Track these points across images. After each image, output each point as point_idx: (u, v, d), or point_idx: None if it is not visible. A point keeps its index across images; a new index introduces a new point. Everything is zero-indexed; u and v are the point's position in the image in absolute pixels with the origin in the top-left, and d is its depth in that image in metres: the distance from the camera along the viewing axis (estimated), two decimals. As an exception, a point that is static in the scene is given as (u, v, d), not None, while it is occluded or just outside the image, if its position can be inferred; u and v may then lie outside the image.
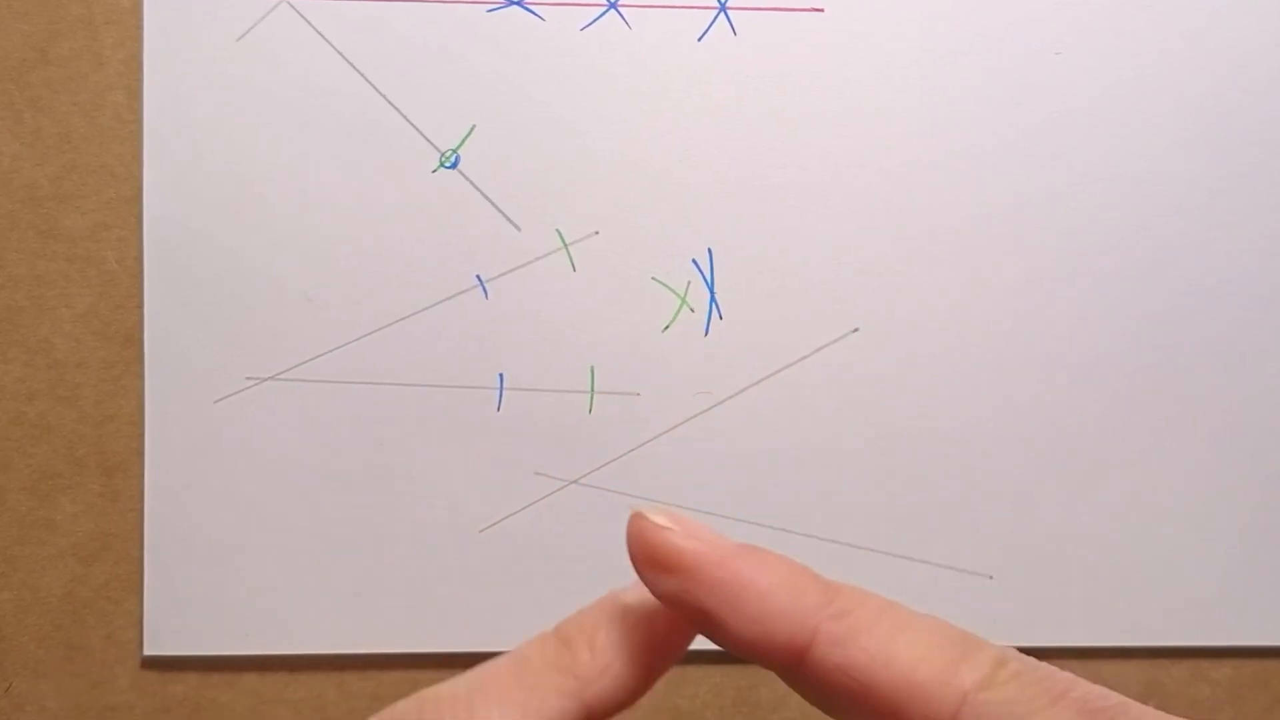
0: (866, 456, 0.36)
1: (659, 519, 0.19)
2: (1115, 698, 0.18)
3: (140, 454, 0.36)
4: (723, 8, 0.36)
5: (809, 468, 0.35)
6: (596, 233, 0.36)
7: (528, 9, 0.36)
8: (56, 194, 0.37)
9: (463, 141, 0.36)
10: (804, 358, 0.35)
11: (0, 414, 0.37)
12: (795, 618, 0.19)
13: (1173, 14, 0.35)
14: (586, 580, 0.36)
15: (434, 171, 0.36)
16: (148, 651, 0.36)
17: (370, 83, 0.36)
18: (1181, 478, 0.36)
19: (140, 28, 0.37)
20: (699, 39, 0.36)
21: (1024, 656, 0.18)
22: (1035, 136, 0.35)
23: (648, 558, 0.19)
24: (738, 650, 0.19)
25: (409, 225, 0.36)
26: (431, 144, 0.36)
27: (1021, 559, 0.35)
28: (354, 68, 0.36)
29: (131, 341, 0.37)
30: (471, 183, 0.36)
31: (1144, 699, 0.37)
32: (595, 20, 0.36)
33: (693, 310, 0.35)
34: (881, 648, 0.18)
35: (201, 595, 0.36)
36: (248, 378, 0.36)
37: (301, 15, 0.36)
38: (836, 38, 0.35)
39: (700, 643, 0.18)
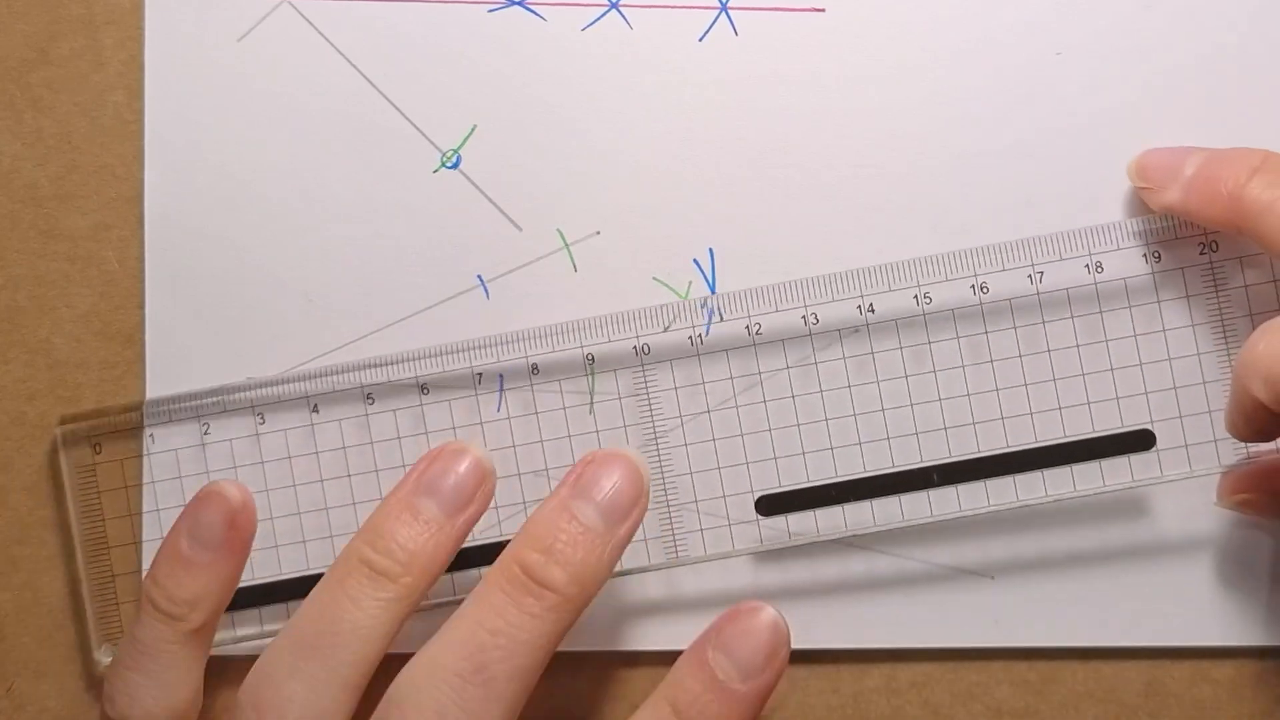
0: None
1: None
2: None
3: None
4: (724, 8, 0.36)
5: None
6: (598, 233, 0.36)
7: (529, 9, 0.36)
8: (57, 194, 0.37)
9: (464, 141, 0.36)
10: (809, 359, 0.35)
11: (0, 414, 0.37)
12: None
13: (1173, 14, 0.35)
14: (587, 580, 0.36)
15: (435, 171, 0.36)
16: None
17: (371, 83, 0.36)
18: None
19: (141, 28, 0.37)
20: (700, 39, 0.36)
21: None
22: (1035, 137, 0.35)
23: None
24: None
25: (410, 225, 0.36)
26: (433, 144, 0.36)
27: (1023, 560, 0.35)
28: (355, 68, 0.36)
29: (132, 341, 0.37)
30: (472, 183, 0.36)
31: (1145, 699, 0.37)
32: (597, 20, 0.36)
33: (695, 310, 0.35)
34: None
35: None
36: (249, 378, 0.36)
37: (303, 15, 0.36)
38: (837, 38, 0.35)
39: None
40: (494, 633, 0.29)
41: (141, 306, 0.37)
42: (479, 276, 0.36)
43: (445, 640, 0.30)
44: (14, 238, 0.37)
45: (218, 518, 0.32)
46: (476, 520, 0.32)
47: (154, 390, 0.36)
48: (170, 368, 0.36)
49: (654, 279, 0.36)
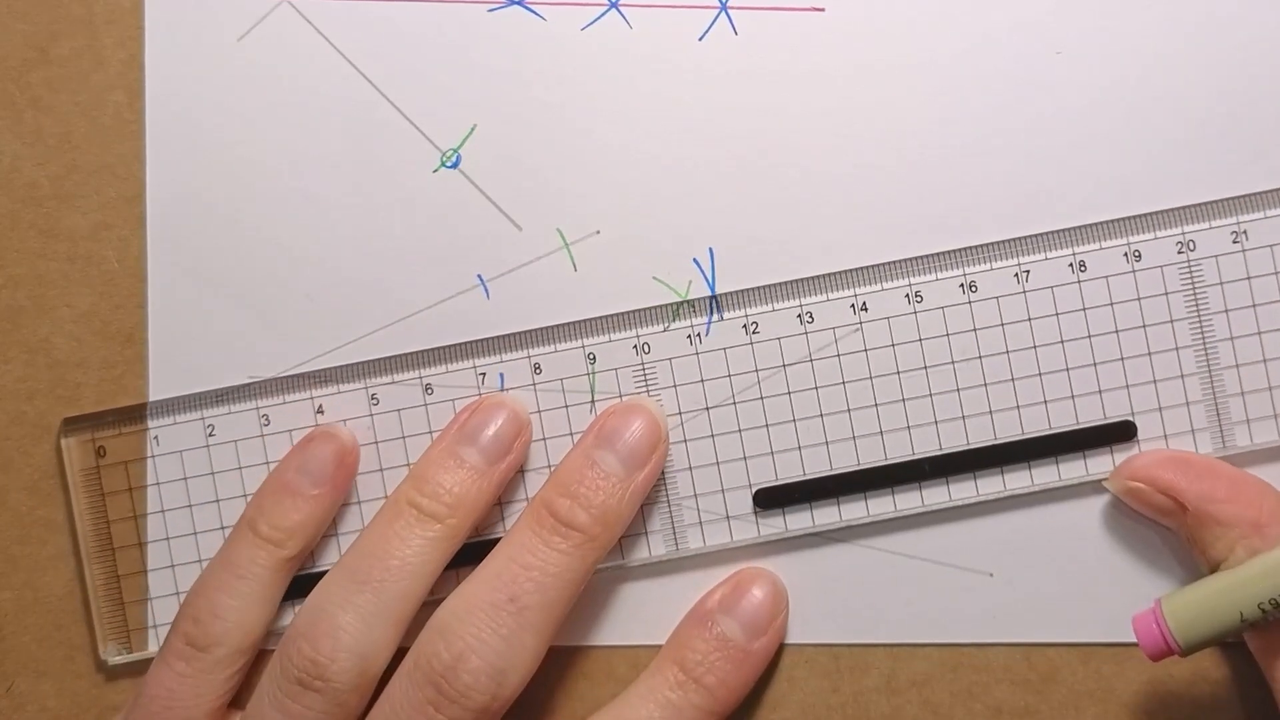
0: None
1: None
2: None
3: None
4: (723, 7, 0.36)
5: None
6: (597, 232, 0.36)
7: (529, 8, 0.36)
8: (57, 194, 0.37)
9: (464, 141, 0.36)
10: (805, 357, 0.35)
11: (0, 414, 0.37)
12: None
13: (1173, 14, 0.35)
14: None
15: (435, 171, 0.36)
16: (150, 650, 0.36)
17: (371, 82, 0.36)
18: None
19: (141, 28, 0.37)
20: (700, 39, 0.36)
21: None
22: (1035, 136, 0.35)
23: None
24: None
25: (410, 225, 0.36)
26: (432, 143, 0.36)
27: (1021, 556, 0.35)
28: (355, 67, 0.36)
29: (133, 341, 0.37)
30: (472, 182, 0.36)
31: (1144, 698, 0.37)
32: (596, 20, 0.36)
33: (694, 309, 0.35)
34: None
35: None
36: (250, 376, 0.36)
37: (302, 15, 0.36)
38: (836, 37, 0.35)
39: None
40: (526, 567, 0.31)
41: (142, 306, 0.37)
42: (479, 276, 0.36)
43: (482, 575, 0.32)
44: (14, 238, 0.37)
45: (329, 454, 0.34)
46: (515, 468, 0.34)
47: (156, 390, 0.36)
48: (172, 367, 0.37)
49: (654, 278, 0.36)
